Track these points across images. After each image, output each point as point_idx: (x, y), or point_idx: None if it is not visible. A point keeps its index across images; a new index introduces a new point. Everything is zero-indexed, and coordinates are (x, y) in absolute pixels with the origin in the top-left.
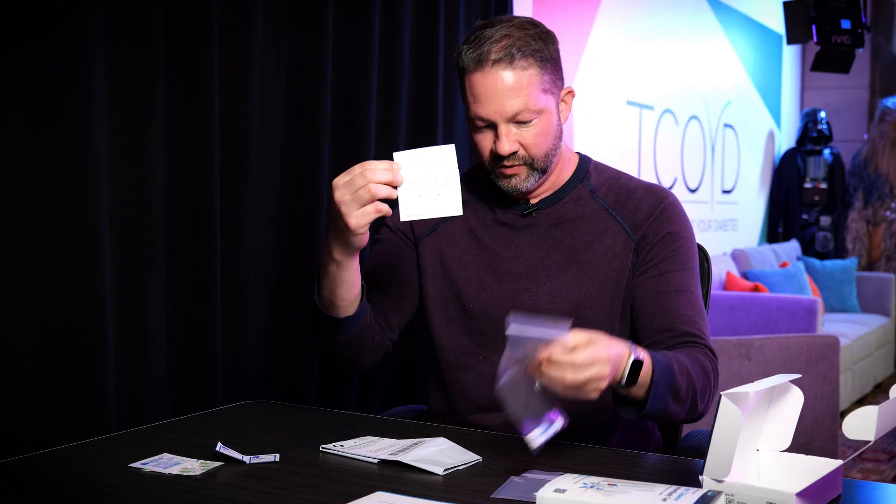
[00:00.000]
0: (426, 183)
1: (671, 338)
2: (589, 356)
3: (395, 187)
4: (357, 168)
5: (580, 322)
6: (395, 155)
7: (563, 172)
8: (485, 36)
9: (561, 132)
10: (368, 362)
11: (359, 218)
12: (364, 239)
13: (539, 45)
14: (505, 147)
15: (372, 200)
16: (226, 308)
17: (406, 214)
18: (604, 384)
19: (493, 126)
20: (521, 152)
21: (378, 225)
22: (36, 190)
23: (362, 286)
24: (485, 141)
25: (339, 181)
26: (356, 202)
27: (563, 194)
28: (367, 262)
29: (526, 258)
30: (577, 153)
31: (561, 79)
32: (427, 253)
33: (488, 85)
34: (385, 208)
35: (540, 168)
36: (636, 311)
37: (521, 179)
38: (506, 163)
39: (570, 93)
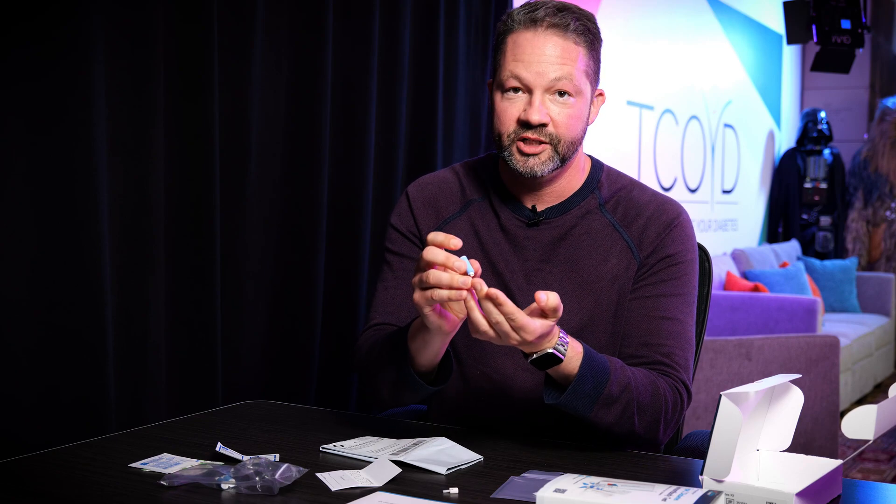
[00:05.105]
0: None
1: (640, 364)
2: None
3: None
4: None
5: None
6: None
7: (574, 179)
8: (542, 2)
9: (586, 130)
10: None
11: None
12: (442, 324)
13: (593, 29)
14: (536, 115)
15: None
16: (226, 308)
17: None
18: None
19: (526, 92)
20: (550, 128)
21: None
22: (36, 190)
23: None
24: (512, 108)
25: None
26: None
27: (571, 205)
28: (393, 290)
29: (527, 275)
30: (590, 157)
31: (598, 78)
32: None
33: (537, 45)
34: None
35: (562, 154)
36: (622, 331)
37: (540, 161)
38: (531, 135)
39: (601, 95)
